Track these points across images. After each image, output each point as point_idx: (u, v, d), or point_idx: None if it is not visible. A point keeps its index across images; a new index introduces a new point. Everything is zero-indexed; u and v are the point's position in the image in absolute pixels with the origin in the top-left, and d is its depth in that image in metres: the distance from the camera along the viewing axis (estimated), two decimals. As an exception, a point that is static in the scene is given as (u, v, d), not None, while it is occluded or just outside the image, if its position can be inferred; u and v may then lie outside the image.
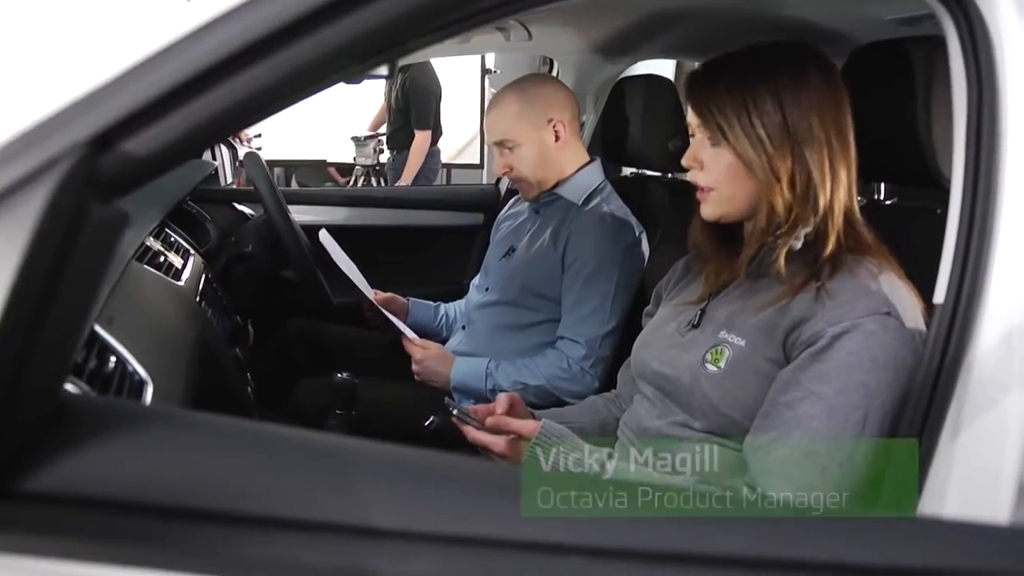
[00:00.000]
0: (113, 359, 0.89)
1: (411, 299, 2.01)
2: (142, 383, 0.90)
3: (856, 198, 1.10)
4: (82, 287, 0.52)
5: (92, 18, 0.54)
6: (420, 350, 1.74)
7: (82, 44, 0.53)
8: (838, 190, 1.05)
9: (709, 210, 1.13)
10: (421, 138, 4.51)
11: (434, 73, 4.54)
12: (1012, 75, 0.91)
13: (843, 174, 1.06)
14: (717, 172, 1.10)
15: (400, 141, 4.62)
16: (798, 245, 1.07)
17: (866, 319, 0.98)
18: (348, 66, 0.74)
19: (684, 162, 1.14)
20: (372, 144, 4.94)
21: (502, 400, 1.23)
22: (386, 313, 1.82)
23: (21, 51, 0.57)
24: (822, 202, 1.05)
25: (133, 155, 0.51)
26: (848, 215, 1.07)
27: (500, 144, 1.78)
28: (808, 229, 1.06)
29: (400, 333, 1.78)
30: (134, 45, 0.50)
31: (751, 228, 1.11)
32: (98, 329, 0.91)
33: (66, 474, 0.49)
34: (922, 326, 1.00)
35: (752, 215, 1.10)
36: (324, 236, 1.93)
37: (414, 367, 1.74)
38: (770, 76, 1.06)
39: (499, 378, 1.70)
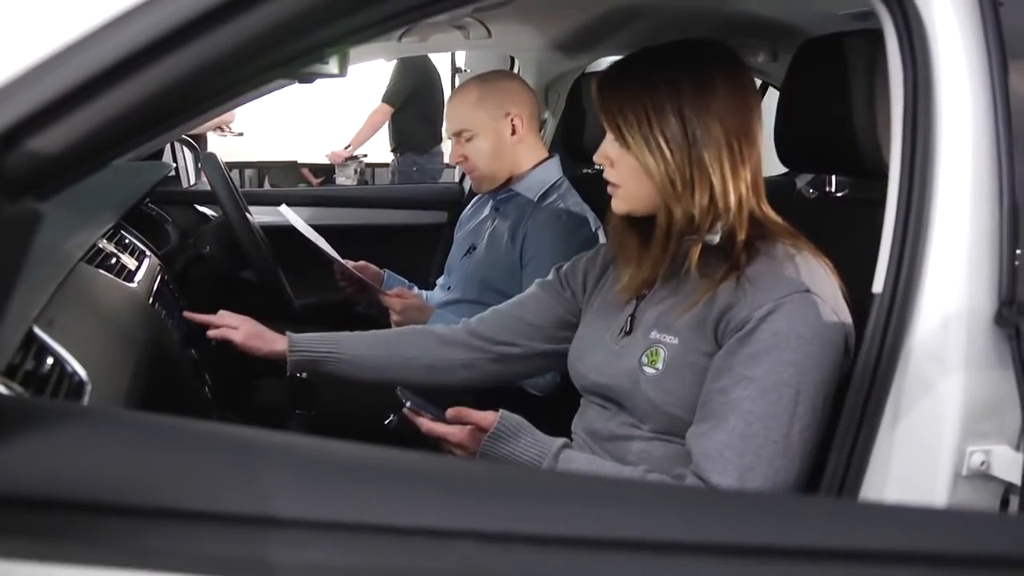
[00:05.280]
0: (51, 360, 0.88)
1: (387, 271, 1.99)
2: (81, 384, 0.90)
3: (763, 194, 1.11)
4: (-8, 286, 0.52)
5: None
6: (399, 301, 1.73)
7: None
8: (739, 188, 1.07)
9: (617, 204, 1.15)
10: (377, 108, 4.48)
11: (421, 61, 4.45)
12: (945, 68, 0.92)
13: (745, 173, 1.07)
14: (623, 171, 1.11)
15: (398, 140, 4.59)
16: (715, 240, 1.08)
17: (787, 298, 1.00)
18: (283, 60, 0.74)
19: (595, 158, 1.16)
20: (353, 165, 4.92)
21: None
22: (359, 275, 1.81)
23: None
24: (722, 204, 1.06)
25: (41, 153, 0.51)
26: (752, 213, 1.08)
27: (458, 135, 1.79)
28: (723, 223, 1.07)
29: (376, 291, 1.78)
30: (36, 43, 0.50)
31: (657, 228, 1.12)
32: (37, 330, 0.90)
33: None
34: (842, 300, 1.04)
35: (658, 212, 1.11)
36: (284, 209, 1.92)
37: (393, 318, 1.73)
38: (673, 81, 1.06)
39: None
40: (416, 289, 2.02)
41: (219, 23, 0.51)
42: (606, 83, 1.13)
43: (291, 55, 0.64)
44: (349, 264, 1.85)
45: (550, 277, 1.37)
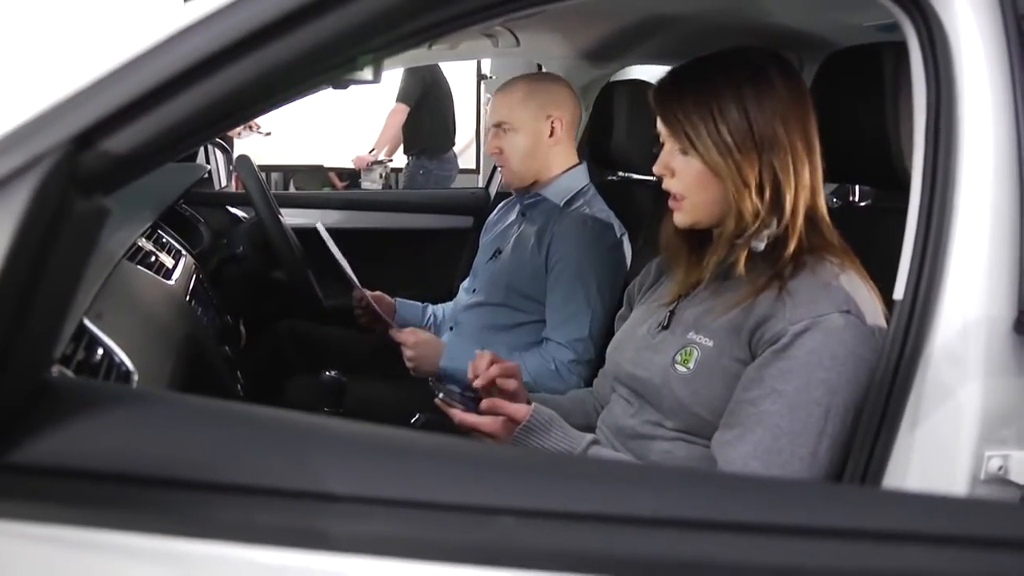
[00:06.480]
0: (100, 351, 0.92)
1: (398, 299, 2.03)
2: (128, 374, 0.94)
3: (822, 199, 1.13)
4: (64, 277, 0.55)
5: (72, 25, 0.57)
6: (411, 337, 1.75)
7: (64, 49, 0.57)
8: (802, 192, 1.08)
9: (682, 218, 1.15)
10: (394, 108, 4.53)
11: (431, 66, 4.52)
12: (968, 80, 0.94)
13: (807, 176, 1.09)
14: (687, 180, 1.12)
15: (408, 143, 4.64)
16: (760, 247, 1.09)
17: (826, 317, 1.00)
18: (328, 69, 0.77)
19: (655, 170, 1.16)
20: (379, 170, 4.97)
21: (484, 358, 1.25)
22: (376, 307, 1.84)
23: (6, 56, 0.61)
24: (787, 205, 1.07)
25: (113, 153, 0.55)
26: (811, 216, 1.09)
27: (498, 125, 1.84)
28: (771, 230, 1.09)
29: (389, 325, 1.81)
30: (111, 50, 0.54)
31: (720, 232, 1.14)
32: (87, 323, 0.94)
33: (48, 448, 0.52)
34: (882, 323, 1.03)
35: (722, 221, 1.12)
36: (321, 229, 1.97)
37: (406, 353, 1.74)
38: (734, 83, 1.08)
39: None
40: (429, 308, 2.06)
41: (289, 29, 0.55)
42: (666, 91, 1.14)
43: (344, 59, 0.67)
44: (368, 294, 1.88)
45: (622, 310, 1.41)
